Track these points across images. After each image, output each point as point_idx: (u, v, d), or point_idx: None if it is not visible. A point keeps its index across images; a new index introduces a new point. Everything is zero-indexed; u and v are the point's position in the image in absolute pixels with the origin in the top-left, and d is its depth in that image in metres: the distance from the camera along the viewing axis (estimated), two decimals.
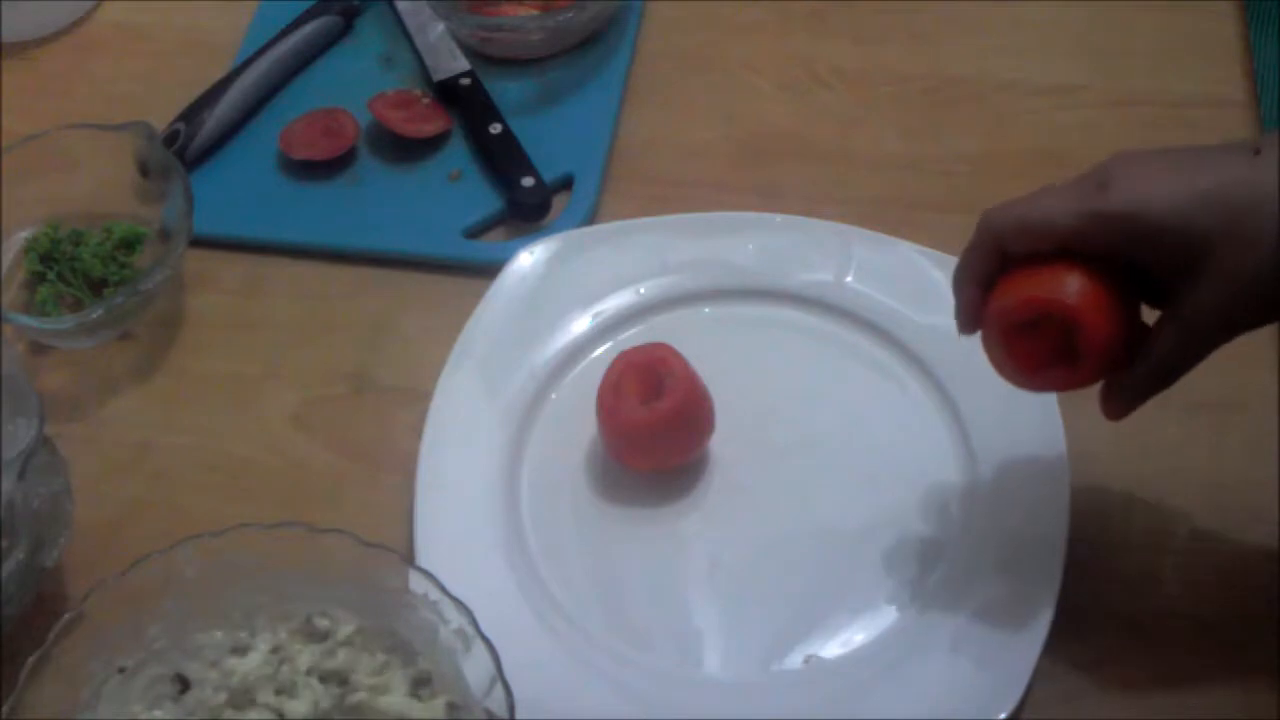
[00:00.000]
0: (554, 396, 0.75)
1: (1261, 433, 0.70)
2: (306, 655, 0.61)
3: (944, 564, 0.67)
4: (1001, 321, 0.60)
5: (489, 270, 0.78)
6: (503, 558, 0.68)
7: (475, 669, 0.59)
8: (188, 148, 0.85)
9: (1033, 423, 0.69)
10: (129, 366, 0.79)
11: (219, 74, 0.89)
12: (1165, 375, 0.58)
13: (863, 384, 0.74)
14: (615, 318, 0.77)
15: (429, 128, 0.86)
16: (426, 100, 0.88)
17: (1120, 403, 0.60)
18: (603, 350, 0.76)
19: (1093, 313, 0.57)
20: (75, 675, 0.60)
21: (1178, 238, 0.54)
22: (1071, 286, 0.57)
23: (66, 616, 0.59)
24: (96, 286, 0.80)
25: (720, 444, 0.72)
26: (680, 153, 0.86)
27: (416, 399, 0.74)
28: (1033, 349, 0.59)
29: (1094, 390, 0.72)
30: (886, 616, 0.66)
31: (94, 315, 0.75)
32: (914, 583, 0.67)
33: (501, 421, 0.73)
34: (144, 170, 0.81)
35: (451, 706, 0.60)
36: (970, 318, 0.61)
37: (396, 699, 0.60)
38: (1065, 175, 0.58)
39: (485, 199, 0.84)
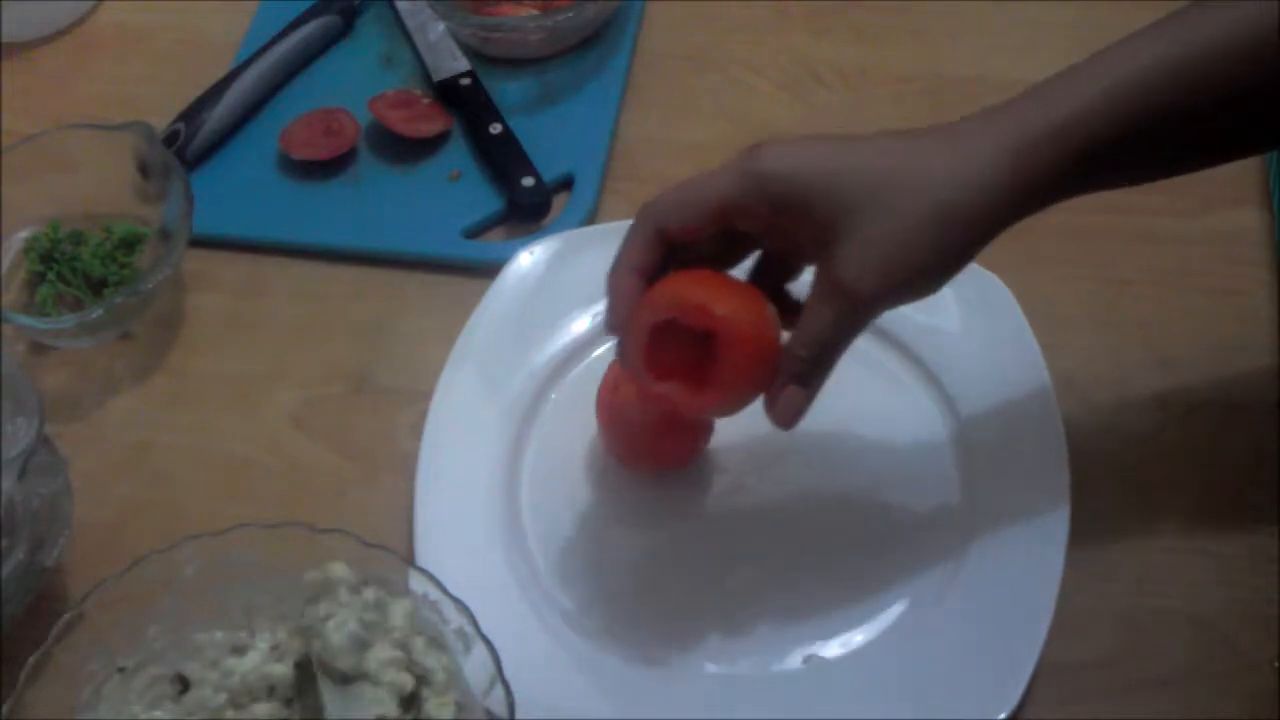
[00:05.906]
0: (554, 396, 0.75)
1: (1261, 433, 0.70)
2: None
3: (943, 563, 0.67)
4: (645, 316, 0.58)
5: (489, 270, 0.78)
6: (503, 558, 0.68)
7: (475, 669, 0.59)
8: (188, 148, 0.85)
9: (1033, 423, 0.69)
10: (129, 366, 0.79)
11: (219, 74, 0.89)
12: (824, 353, 0.58)
13: (862, 384, 0.74)
14: None
15: (429, 128, 0.86)
16: (426, 100, 0.88)
17: (785, 397, 0.59)
18: (603, 350, 0.76)
19: (739, 324, 0.57)
20: (75, 675, 0.60)
21: (827, 199, 0.56)
22: (722, 296, 0.58)
23: (66, 616, 0.59)
24: (96, 286, 0.80)
25: (720, 444, 0.72)
26: (680, 153, 0.86)
27: (416, 399, 0.74)
28: (668, 359, 0.59)
29: (1095, 392, 0.73)
30: (886, 616, 0.66)
31: (94, 315, 0.75)
32: (913, 582, 0.67)
33: (501, 421, 0.73)
34: (144, 170, 0.81)
35: (457, 706, 0.60)
36: (623, 309, 0.59)
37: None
38: None
39: (485, 199, 0.84)
